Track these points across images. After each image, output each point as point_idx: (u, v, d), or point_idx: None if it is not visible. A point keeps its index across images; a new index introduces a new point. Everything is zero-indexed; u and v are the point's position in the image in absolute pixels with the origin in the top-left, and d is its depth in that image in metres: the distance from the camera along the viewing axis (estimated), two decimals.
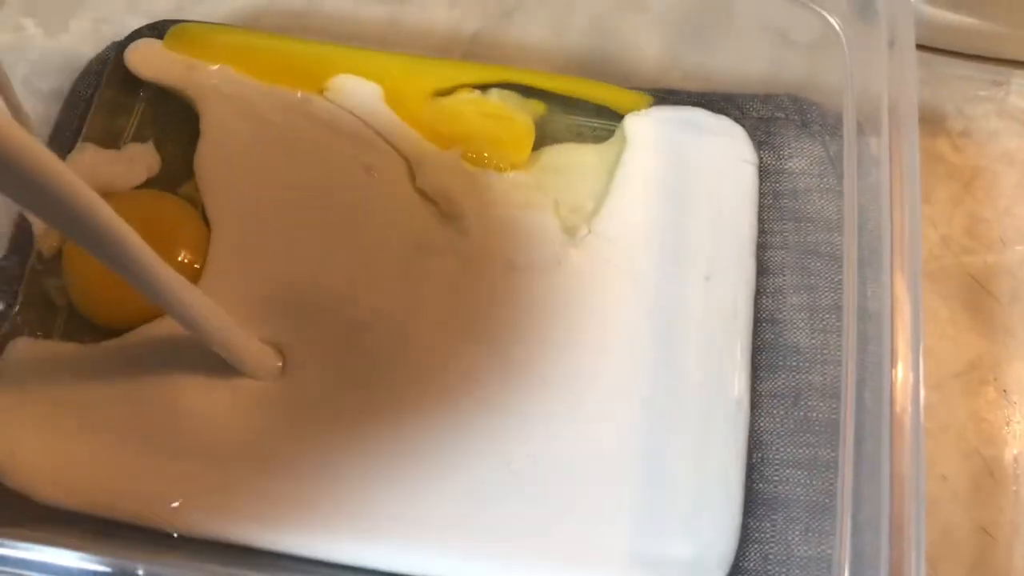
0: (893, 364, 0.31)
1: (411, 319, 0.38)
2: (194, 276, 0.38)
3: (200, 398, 0.37)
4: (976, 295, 0.42)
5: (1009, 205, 0.44)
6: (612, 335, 0.38)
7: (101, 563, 0.30)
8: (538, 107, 0.43)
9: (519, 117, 0.42)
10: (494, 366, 0.37)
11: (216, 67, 0.43)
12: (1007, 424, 0.40)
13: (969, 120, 0.45)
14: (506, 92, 0.43)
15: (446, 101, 0.43)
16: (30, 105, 0.43)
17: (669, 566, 0.35)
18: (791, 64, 0.44)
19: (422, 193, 0.40)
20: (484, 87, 0.43)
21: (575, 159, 0.42)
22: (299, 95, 0.43)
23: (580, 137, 0.43)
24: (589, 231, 0.40)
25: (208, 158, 0.41)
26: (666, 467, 0.36)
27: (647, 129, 0.42)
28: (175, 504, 0.35)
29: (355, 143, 0.42)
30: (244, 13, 0.46)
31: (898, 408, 0.31)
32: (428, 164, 0.41)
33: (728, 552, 0.35)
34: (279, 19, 0.47)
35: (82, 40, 0.46)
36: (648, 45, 0.46)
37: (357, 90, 0.43)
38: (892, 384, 0.31)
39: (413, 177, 0.41)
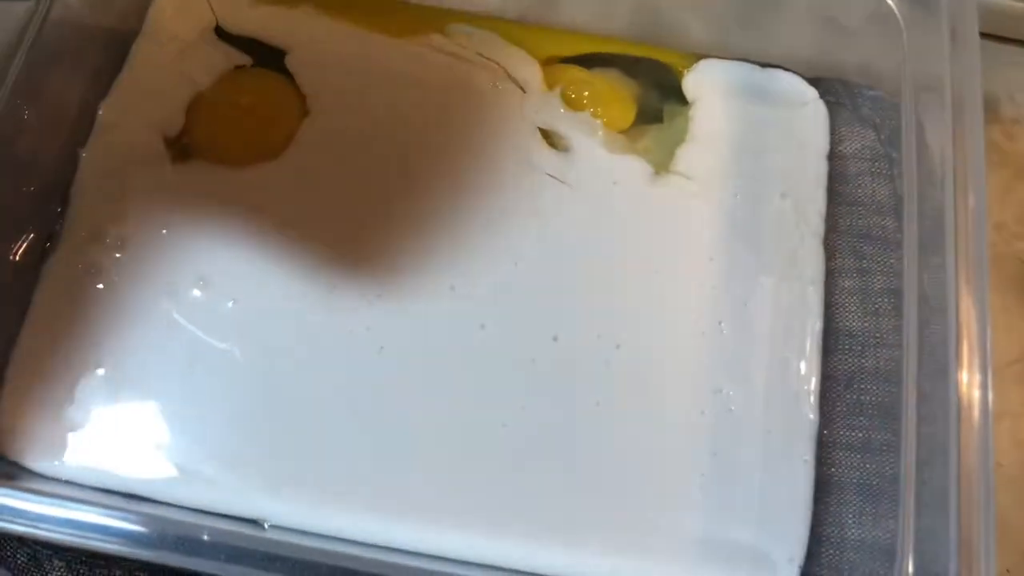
0: (958, 351, 0.31)
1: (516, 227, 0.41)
2: (281, 145, 0.42)
3: None
4: None
5: None
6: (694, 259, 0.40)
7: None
8: (635, 87, 0.44)
9: (622, 90, 0.44)
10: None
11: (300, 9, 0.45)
12: None
13: (1021, 108, 0.45)
14: (608, 69, 0.45)
15: (554, 67, 0.45)
16: (77, 81, 0.43)
17: (739, 559, 0.35)
18: (842, 48, 0.43)
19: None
20: (587, 64, 0.45)
21: (663, 132, 0.44)
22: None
23: (667, 115, 0.44)
24: (668, 171, 0.42)
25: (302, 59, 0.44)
26: (736, 458, 0.36)
27: (705, 83, 0.44)
28: None
29: (478, 66, 0.44)
30: None
31: (964, 393, 0.30)
32: (535, 98, 0.43)
33: (800, 547, 0.35)
34: None
35: (126, 18, 0.45)
36: (693, 28, 0.46)
37: (476, 33, 0.45)
38: (958, 371, 0.31)
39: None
